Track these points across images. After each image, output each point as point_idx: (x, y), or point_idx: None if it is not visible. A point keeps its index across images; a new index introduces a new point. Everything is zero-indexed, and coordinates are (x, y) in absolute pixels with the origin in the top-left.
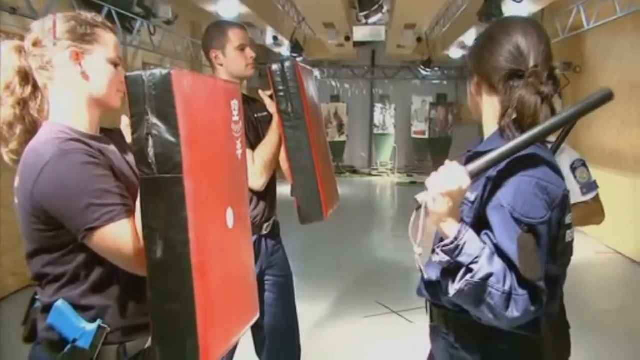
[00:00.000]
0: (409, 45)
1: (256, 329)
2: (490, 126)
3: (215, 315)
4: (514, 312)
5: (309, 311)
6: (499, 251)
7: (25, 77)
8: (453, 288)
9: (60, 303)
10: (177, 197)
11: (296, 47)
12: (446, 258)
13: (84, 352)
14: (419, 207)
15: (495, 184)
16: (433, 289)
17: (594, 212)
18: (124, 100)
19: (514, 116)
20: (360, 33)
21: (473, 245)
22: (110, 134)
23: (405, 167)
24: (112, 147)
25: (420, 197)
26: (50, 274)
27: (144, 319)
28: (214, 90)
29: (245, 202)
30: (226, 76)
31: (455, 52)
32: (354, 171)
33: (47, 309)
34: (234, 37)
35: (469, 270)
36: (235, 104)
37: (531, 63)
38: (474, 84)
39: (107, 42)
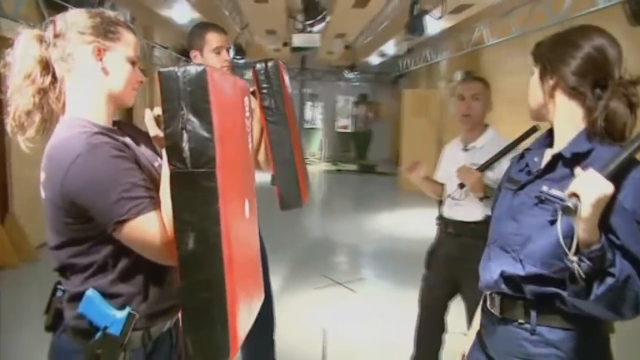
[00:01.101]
0: (337, 51)
1: None
2: (565, 127)
3: (240, 300)
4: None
5: None
6: (623, 252)
7: (46, 66)
8: (594, 293)
9: (90, 292)
10: (210, 190)
11: (239, 51)
12: (589, 265)
13: (114, 339)
14: (570, 213)
15: None
16: (512, 283)
17: None
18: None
19: (603, 123)
20: (299, 40)
21: (609, 250)
22: (121, 126)
23: (332, 156)
24: (129, 140)
25: (571, 204)
26: (78, 264)
27: (165, 304)
28: (233, 87)
29: (254, 193)
30: None
31: (374, 59)
32: None
33: (75, 298)
34: (212, 39)
35: (610, 274)
36: (246, 100)
37: (616, 73)
38: (548, 85)
39: (129, 41)
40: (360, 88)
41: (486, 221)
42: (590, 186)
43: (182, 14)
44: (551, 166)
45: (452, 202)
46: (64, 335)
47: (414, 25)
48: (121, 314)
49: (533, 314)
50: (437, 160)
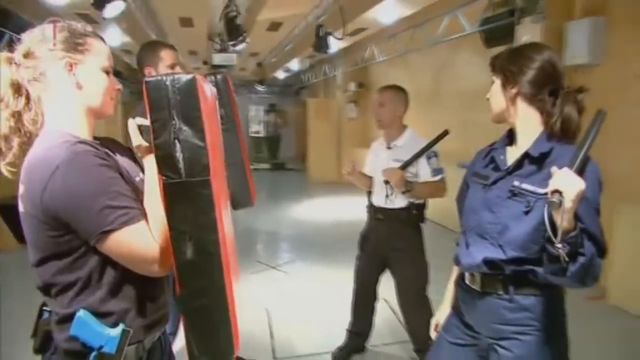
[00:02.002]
0: (249, 68)
1: None
2: (527, 130)
3: (237, 300)
4: (598, 277)
5: None
6: (588, 235)
7: (18, 89)
8: (569, 271)
9: (82, 314)
10: (206, 199)
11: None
12: (569, 248)
13: (111, 357)
14: (555, 207)
15: None
16: (493, 265)
17: (440, 189)
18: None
19: (560, 126)
20: (218, 58)
21: (580, 234)
22: (100, 139)
23: (248, 157)
24: (108, 151)
25: (555, 199)
26: (62, 282)
27: (157, 315)
28: (211, 94)
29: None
30: None
31: (281, 74)
32: None
33: (65, 319)
34: (166, 56)
35: (580, 253)
36: (217, 105)
37: (564, 83)
38: (510, 93)
39: (100, 51)
40: (269, 99)
41: (409, 207)
42: (570, 184)
43: (114, 38)
44: (519, 164)
45: (381, 192)
46: (55, 357)
47: (320, 44)
48: (115, 332)
49: (511, 287)
50: (339, 156)
